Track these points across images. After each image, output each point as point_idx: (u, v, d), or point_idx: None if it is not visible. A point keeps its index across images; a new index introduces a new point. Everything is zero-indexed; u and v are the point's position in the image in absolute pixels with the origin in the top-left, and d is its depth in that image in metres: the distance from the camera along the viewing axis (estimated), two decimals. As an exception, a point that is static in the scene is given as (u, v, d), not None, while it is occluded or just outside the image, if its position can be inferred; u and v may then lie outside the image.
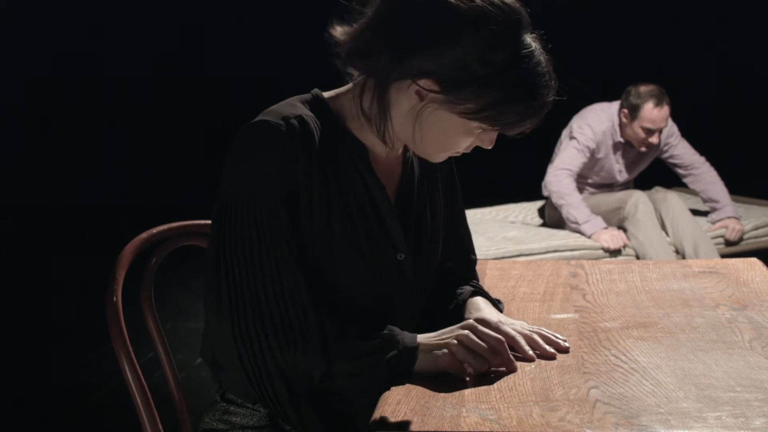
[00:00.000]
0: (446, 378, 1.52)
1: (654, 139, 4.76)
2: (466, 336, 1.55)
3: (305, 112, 1.64)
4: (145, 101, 8.88)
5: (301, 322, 1.57)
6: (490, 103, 1.52)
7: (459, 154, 1.68)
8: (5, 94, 8.57)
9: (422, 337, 1.59)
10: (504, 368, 1.55)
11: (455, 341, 1.54)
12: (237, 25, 9.09)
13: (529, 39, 1.55)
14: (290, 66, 8.39)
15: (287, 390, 1.60)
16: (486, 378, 1.52)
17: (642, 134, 4.75)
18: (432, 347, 1.56)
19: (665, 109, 4.71)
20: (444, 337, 1.57)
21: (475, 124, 1.56)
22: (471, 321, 1.60)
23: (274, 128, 1.58)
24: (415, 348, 1.56)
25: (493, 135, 1.63)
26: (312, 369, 1.57)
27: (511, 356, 1.56)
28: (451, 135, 1.59)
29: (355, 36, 1.60)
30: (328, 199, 1.63)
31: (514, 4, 1.54)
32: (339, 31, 1.62)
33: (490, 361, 1.54)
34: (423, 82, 1.54)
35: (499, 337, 1.56)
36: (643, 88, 4.74)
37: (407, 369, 1.55)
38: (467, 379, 1.52)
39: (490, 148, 1.66)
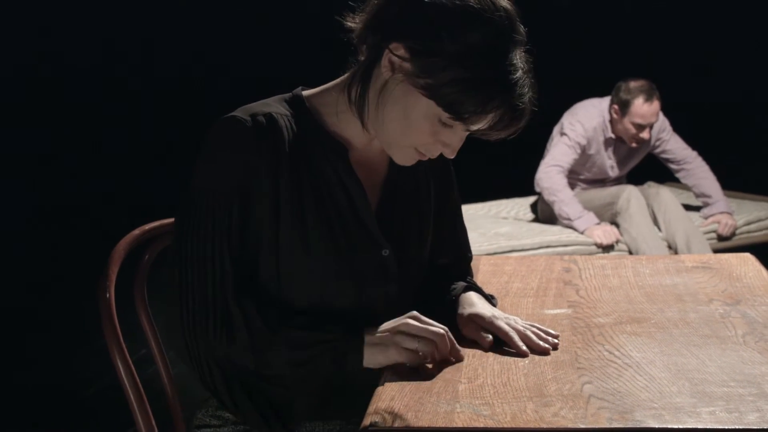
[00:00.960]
0: (440, 374, 1.52)
1: (645, 135, 4.76)
2: (407, 324, 1.56)
3: (278, 110, 1.65)
4: (135, 99, 8.86)
5: (227, 313, 1.59)
6: (451, 82, 1.50)
7: (425, 158, 1.65)
8: (5, 92, 8.55)
9: (369, 330, 1.59)
10: (453, 359, 1.57)
11: (398, 332, 1.56)
12: (236, 24, 9.07)
13: (516, 49, 1.54)
14: (290, 65, 8.38)
15: (223, 378, 1.63)
16: (479, 374, 1.52)
17: (632, 130, 4.75)
18: (376, 341, 1.56)
19: (655, 105, 4.71)
20: (387, 329, 1.58)
21: (434, 108, 1.54)
22: (413, 312, 1.61)
23: (239, 124, 1.60)
24: (360, 342, 1.57)
25: (456, 140, 1.60)
26: (247, 358, 1.59)
27: (456, 344, 1.58)
28: (412, 117, 1.57)
29: (361, 21, 1.61)
30: (301, 198, 1.63)
31: (509, 7, 1.55)
32: (351, 20, 1.63)
33: (436, 342, 1.54)
34: (396, 50, 1.54)
35: (438, 329, 1.57)
36: (633, 84, 4.74)
37: (356, 363, 1.56)
38: (426, 366, 1.54)
39: (452, 157, 1.65)
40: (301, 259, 1.63)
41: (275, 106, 1.66)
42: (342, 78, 1.68)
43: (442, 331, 1.57)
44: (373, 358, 1.56)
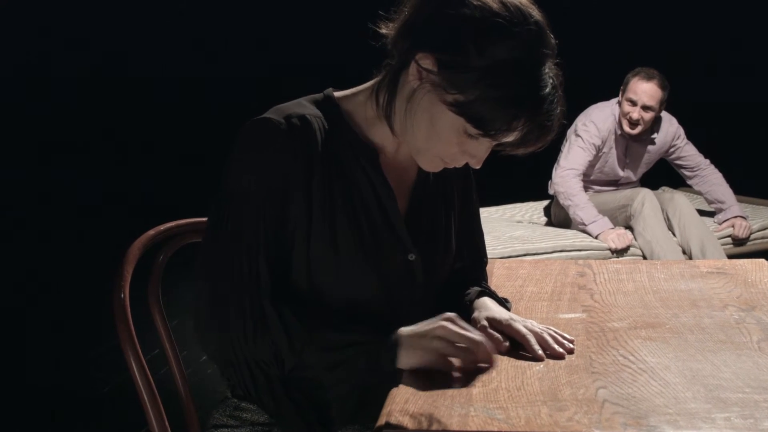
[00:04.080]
0: (455, 377, 1.51)
1: (635, 114, 4.74)
2: (444, 327, 1.52)
3: (311, 111, 1.64)
4: (153, 100, 8.89)
5: (267, 319, 1.57)
6: (479, 100, 1.49)
7: (450, 166, 1.65)
8: (5, 93, 8.59)
9: (403, 331, 1.56)
10: (486, 364, 1.52)
11: (435, 336, 1.52)
12: (241, 25, 9.09)
13: (545, 63, 1.51)
14: (293, 66, 8.40)
15: (266, 384, 1.62)
16: (495, 377, 1.51)
17: (626, 107, 4.76)
18: (414, 344, 1.53)
19: (652, 85, 4.70)
20: (423, 331, 1.54)
21: (461, 120, 1.52)
22: (449, 313, 1.57)
23: (274, 126, 1.59)
24: (395, 344, 1.54)
25: (482, 151, 1.59)
26: (286, 362, 1.58)
27: (491, 354, 1.53)
28: (438, 127, 1.55)
29: (393, 27, 1.59)
30: (332, 199, 1.62)
31: (540, 19, 1.52)
32: (384, 25, 1.61)
33: (474, 350, 1.51)
34: (424, 60, 1.52)
35: (476, 337, 1.52)
36: (641, 68, 4.79)
37: (390, 364, 1.53)
38: (456, 374, 1.51)
39: (478, 167, 1.64)
40: (330, 258, 1.63)
41: (308, 107, 1.66)
42: (372, 82, 1.68)
43: (479, 338, 1.53)
44: (408, 359, 1.53)
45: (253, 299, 1.58)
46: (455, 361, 1.52)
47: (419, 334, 1.54)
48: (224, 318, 1.59)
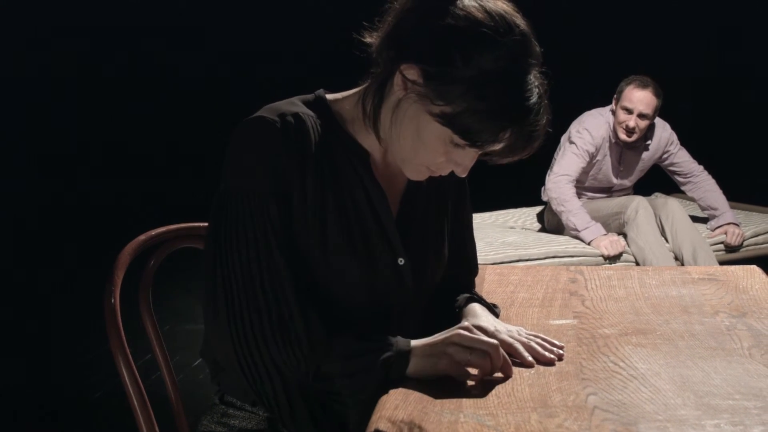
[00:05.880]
0: (444, 383, 1.51)
1: (631, 122, 4.75)
2: (461, 335, 1.54)
3: (304, 110, 1.64)
4: (144, 102, 8.88)
5: (289, 320, 1.56)
6: (465, 111, 1.48)
7: (435, 175, 1.64)
8: (5, 93, 8.58)
9: (417, 342, 1.58)
10: (501, 374, 1.54)
11: (451, 342, 1.54)
12: (241, 26, 9.09)
13: (531, 72, 1.51)
14: (292, 67, 8.39)
15: (284, 389, 1.59)
16: (484, 384, 1.51)
17: (621, 116, 4.77)
18: (427, 352, 1.55)
19: (646, 93, 4.72)
20: (439, 340, 1.56)
21: (447, 130, 1.52)
22: (465, 323, 1.59)
23: (269, 124, 1.58)
24: (407, 352, 1.55)
25: (468, 159, 1.58)
26: (306, 368, 1.57)
27: (509, 360, 1.55)
28: (424, 137, 1.55)
29: (378, 36, 1.59)
30: (323, 199, 1.62)
31: (525, 28, 1.51)
32: (369, 34, 1.60)
33: (490, 354, 1.52)
34: (408, 72, 1.51)
35: (492, 341, 1.54)
36: (635, 76, 4.80)
37: (400, 372, 1.54)
38: (471, 382, 1.51)
39: (463, 176, 1.63)
40: (319, 258, 1.62)
41: (300, 106, 1.65)
42: (360, 88, 1.67)
43: (496, 342, 1.54)
44: (422, 367, 1.54)
45: (273, 300, 1.56)
46: (471, 370, 1.53)
47: (434, 342, 1.56)
48: (240, 321, 1.56)
